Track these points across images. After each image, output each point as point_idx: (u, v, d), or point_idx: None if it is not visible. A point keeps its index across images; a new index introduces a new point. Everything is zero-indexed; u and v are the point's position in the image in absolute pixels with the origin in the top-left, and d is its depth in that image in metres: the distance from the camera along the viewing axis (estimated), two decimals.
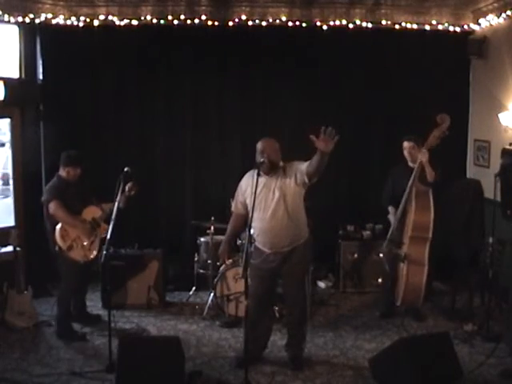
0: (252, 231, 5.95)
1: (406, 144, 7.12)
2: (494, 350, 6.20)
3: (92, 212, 6.80)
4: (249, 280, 5.41)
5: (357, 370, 6.02)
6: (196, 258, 7.82)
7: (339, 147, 8.26)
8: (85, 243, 6.67)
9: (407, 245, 6.76)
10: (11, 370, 5.91)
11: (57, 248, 6.63)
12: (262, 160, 5.69)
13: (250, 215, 5.46)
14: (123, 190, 6.40)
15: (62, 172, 6.76)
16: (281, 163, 5.87)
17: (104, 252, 5.85)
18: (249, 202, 5.85)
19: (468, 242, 7.51)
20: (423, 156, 6.73)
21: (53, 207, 6.58)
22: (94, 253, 6.75)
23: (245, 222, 6.20)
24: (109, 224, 6.03)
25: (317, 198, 7.70)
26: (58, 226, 6.62)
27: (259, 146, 5.84)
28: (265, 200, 5.75)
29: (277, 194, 5.77)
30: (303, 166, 5.75)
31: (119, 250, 7.65)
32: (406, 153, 7.14)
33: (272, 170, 5.78)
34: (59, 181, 6.78)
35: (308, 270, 6.56)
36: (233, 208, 6.20)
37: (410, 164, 7.09)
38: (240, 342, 6.40)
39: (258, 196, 5.63)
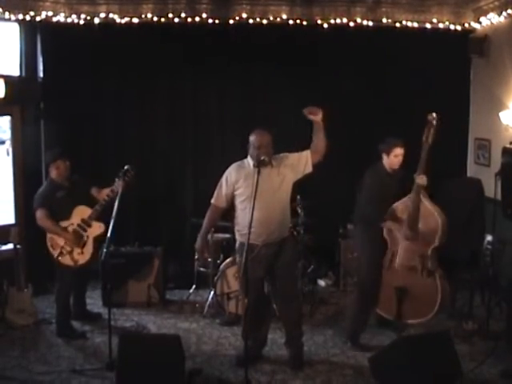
0: (239, 226, 5.98)
1: (400, 150, 6.48)
2: (494, 348, 6.21)
3: (81, 213, 6.70)
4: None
5: (357, 369, 6.02)
6: (196, 256, 7.79)
7: (339, 145, 8.29)
8: (76, 250, 6.66)
9: (431, 257, 6.45)
10: (11, 368, 5.92)
11: (50, 255, 6.67)
12: (262, 158, 5.69)
13: (251, 208, 5.41)
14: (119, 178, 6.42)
15: (52, 171, 6.73)
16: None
17: (104, 250, 5.84)
18: (240, 193, 5.86)
19: (469, 241, 7.51)
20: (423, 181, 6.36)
21: (38, 216, 6.60)
22: (87, 256, 6.69)
23: (221, 216, 6.21)
24: (106, 218, 6.01)
25: (316, 196, 7.74)
26: (48, 235, 6.64)
27: (254, 140, 5.83)
28: (260, 190, 5.56)
29: (274, 183, 5.78)
30: (304, 155, 5.92)
31: (119, 247, 7.66)
32: (396, 160, 6.49)
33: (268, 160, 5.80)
34: (49, 185, 6.76)
35: (297, 268, 6.51)
36: (213, 200, 6.05)
37: (390, 171, 6.54)
38: (240, 341, 6.38)
39: (252, 187, 5.59)
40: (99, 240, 6.59)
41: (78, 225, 6.68)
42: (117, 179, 6.41)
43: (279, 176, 5.84)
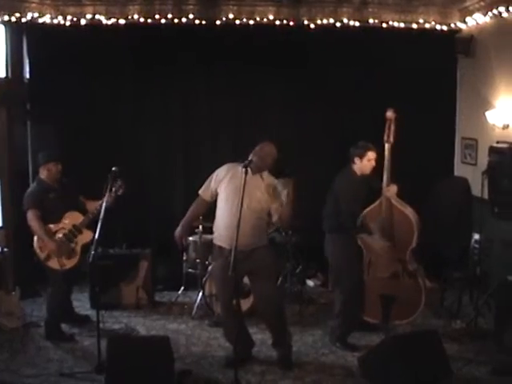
0: (215, 228, 6.04)
1: (373, 154, 6.39)
2: (483, 347, 6.25)
3: (73, 218, 6.67)
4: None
5: (346, 369, 6.04)
6: (185, 258, 7.80)
7: (327, 145, 8.29)
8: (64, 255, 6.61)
9: (410, 259, 6.47)
10: (0, 371, 5.88)
11: (35, 258, 6.60)
12: (250, 159, 5.74)
13: (239, 211, 5.41)
14: (111, 190, 6.35)
15: (43, 172, 6.68)
16: (266, 172, 5.93)
17: (92, 252, 5.81)
18: (221, 190, 5.91)
19: (457, 240, 7.54)
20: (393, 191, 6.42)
21: (29, 217, 6.51)
22: (74, 261, 6.63)
23: (205, 209, 6.22)
24: (95, 226, 5.96)
25: (305, 196, 7.75)
26: (36, 237, 6.57)
27: (256, 148, 5.88)
28: (247, 194, 5.61)
29: (254, 194, 5.77)
30: (277, 210, 5.88)
31: (108, 249, 7.65)
32: (369, 165, 6.39)
33: (257, 171, 5.82)
34: (39, 185, 6.69)
35: (276, 270, 6.46)
36: (201, 192, 6.11)
37: (360, 177, 6.44)
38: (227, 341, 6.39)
39: (233, 188, 5.74)
40: (86, 246, 6.58)
41: (70, 230, 6.63)
42: (107, 193, 6.27)
43: (262, 191, 5.83)
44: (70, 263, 6.61)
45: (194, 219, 6.38)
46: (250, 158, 5.74)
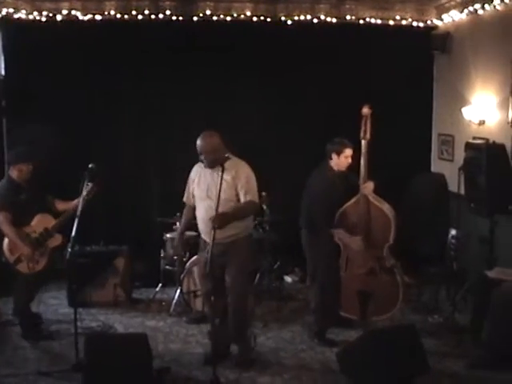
0: (198, 224, 6.06)
1: (350, 151, 6.39)
2: (460, 342, 6.31)
3: (45, 221, 6.56)
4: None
5: (325, 364, 6.05)
6: (162, 254, 7.78)
7: (304, 142, 8.30)
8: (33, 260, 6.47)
9: (387, 255, 6.47)
10: None
11: (3, 259, 6.48)
12: (227, 155, 5.77)
13: (216, 208, 5.49)
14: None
15: (13, 172, 6.52)
16: (227, 155, 5.82)
17: (69, 250, 5.76)
18: (195, 190, 5.99)
19: (434, 236, 7.58)
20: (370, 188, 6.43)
21: (0, 220, 6.39)
22: (42, 264, 6.51)
23: (194, 214, 6.19)
24: (66, 228, 5.90)
25: (282, 193, 7.76)
26: (7, 239, 6.45)
27: (198, 145, 5.83)
28: (212, 189, 5.75)
29: (222, 184, 5.65)
30: (242, 189, 5.81)
31: (84, 247, 7.60)
32: (346, 161, 6.39)
33: (216, 164, 5.74)
34: (9, 185, 6.53)
35: (250, 266, 6.45)
36: (184, 199, 6.20)
37: (337, 173, 6.44)
38: (207, 338, 6.38)
39: (205, 186, 5.85)
40: (55, 250, 6.55)
41: (41, 233, 6.52)
42: (82, 194, 6.17)
43: (227, 180, 5.76)
44: (38, 266, 6.50)
45: (187, 226, 6.41)
46: (226, 155, 5.75)
